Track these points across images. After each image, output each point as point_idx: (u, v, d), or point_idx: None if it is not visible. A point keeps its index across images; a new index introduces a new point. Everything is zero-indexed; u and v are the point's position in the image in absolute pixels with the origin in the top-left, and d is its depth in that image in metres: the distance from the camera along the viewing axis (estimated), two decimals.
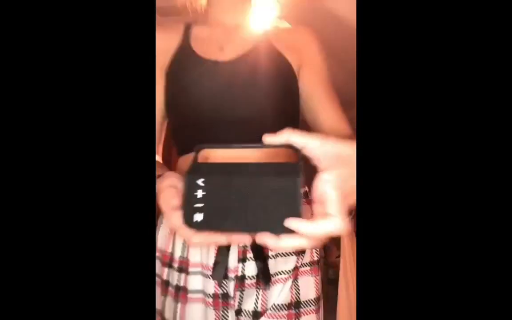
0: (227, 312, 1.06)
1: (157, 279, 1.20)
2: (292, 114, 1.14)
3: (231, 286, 1.08)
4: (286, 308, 1.04)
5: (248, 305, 1.05)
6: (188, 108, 1.07)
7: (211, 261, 1.08)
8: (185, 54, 1.11)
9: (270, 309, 1.03)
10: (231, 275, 1.08)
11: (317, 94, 1.15)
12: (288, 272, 1.07)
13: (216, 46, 1.11)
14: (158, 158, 1.25)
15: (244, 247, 1.08)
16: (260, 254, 1.06)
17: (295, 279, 1.09)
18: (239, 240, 0.83)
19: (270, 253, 1.09)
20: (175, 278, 1.14)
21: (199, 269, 1.11)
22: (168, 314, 1.12)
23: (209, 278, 1.07)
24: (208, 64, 1.06)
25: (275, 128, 0.79)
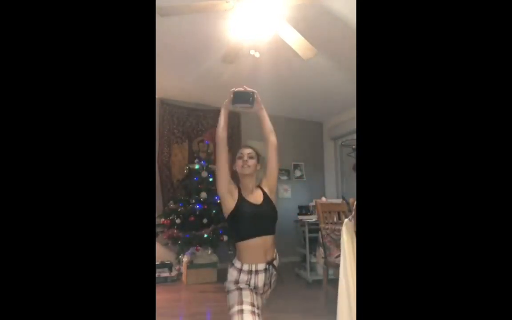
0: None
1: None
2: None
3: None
4: None
5: None
6: (244, 215, 2.75)
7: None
8: (243, 201, 2.76)
9: None
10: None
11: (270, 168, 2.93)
12: None
13: (254, 198, 2.79)
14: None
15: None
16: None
17: None
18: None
19: None
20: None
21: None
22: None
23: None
24: (251, 204, 2.76)
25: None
